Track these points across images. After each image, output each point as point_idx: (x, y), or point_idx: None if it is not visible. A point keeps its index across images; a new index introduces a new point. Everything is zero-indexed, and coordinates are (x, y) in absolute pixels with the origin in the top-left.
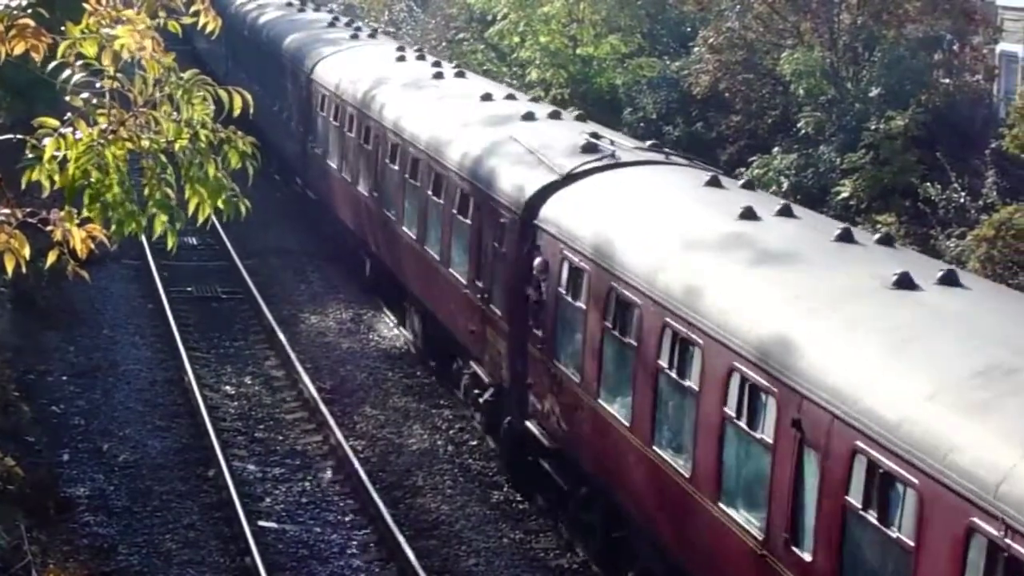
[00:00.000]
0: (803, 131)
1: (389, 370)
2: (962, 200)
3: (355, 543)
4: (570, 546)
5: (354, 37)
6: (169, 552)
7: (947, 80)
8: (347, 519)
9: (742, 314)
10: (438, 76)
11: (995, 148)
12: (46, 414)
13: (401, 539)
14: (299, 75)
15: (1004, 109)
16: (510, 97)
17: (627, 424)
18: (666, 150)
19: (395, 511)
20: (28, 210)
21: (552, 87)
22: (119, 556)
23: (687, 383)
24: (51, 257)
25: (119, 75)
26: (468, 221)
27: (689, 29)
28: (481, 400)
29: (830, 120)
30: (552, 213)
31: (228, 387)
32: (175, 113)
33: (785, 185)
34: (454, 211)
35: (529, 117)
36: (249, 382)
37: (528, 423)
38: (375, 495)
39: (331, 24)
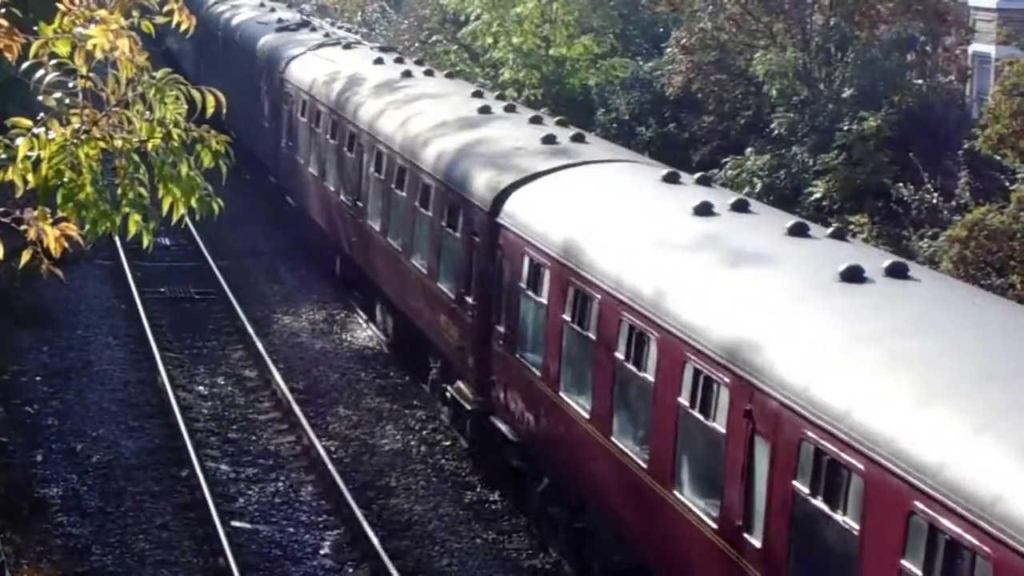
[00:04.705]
0: (776, 132)
1: (362, 370)
2: (935, 201)
3: (328, 543)
4: (543, 546)
5: (565, 153)
6: (142, 552)
7: (920, 81)
8: (320, 519)
9: None
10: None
11: (968, 149)
12: (20, 415)
13: (374, 539)
14: (468, 213)
15: (977, 110)
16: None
17: None
18: None
19: (368, 511)
20: (1, 210)
21: (525, 87)
22: (93, 556)
23: None
24: (25, 256)
25: (92, 75)
26: None
27: (662, 30)
28: None
29: (803, 121)
30: None
31: (201, 387)
32: (148, 112)
33: (758, 186)
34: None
35: None
36: (222, 382)
37: None
38: (348, 495)
39: (483, 110)
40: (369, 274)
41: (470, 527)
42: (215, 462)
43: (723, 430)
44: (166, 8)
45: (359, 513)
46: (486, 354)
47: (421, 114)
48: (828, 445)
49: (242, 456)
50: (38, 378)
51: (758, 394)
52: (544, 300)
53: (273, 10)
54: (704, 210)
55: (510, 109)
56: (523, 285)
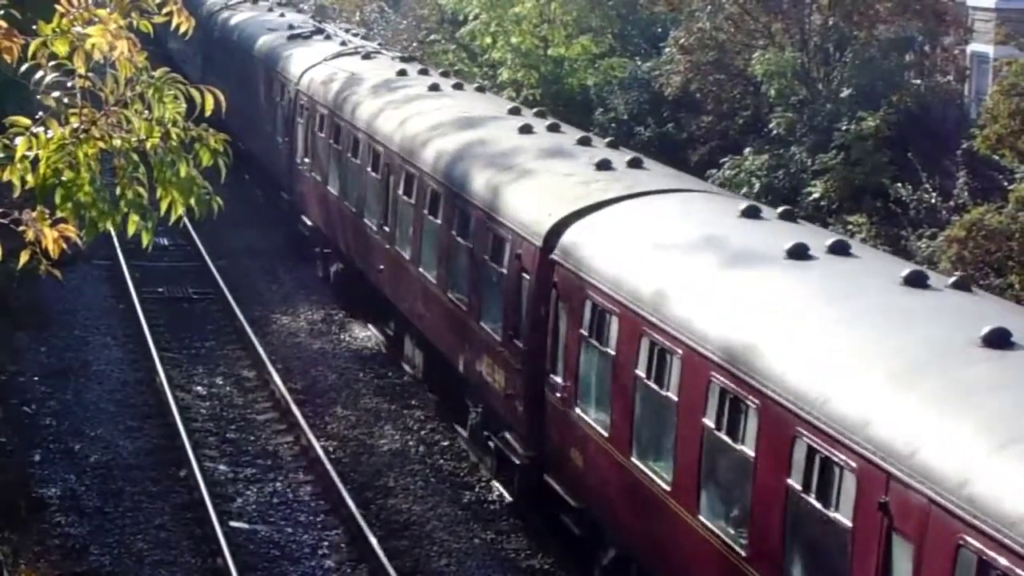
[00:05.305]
0: (774, 132)
1: (360, 371)
2: (933, 201)
3: (326, 544)
4: (541, 547)
5: (624, 181)
6: (140, 553)
7: (918, 81)
8: (318, 520)
9: None
10: None
11: (966, 149)
12: (18, 415)
13: (372, 540)
14: (515, 247)
15: (975, 110)
16: None
17: None
18: None
19: (366, 512)
20: (0, 210)
21: (523, 88)
22: (91, 556)
23: None
24: (23, 257)
25: (90, 74)
26: None
27: (660, 30)
28: None
29: (801, 121)
30: None
31: (200, 388)
32: (147, 112)
33: (757, 186)
34: None
35: None
36: (221, 383)
37: None
38: (346, 496)
39: (524, 129)
40: (397, 305)
41: (468, 527)
42: (213, 462)
43: (848, 523)
44: (165, 10)
45: (357, 513)
46: (539, 405)
47: (454, 132)
48: (997, 557)
49: (240, 456)
50: (36, 378)
51: (896, 484)
52: (611, 351)
53: (283, 15)
54: (799, 253)
55: (554, 128)
56: (584, 332)
